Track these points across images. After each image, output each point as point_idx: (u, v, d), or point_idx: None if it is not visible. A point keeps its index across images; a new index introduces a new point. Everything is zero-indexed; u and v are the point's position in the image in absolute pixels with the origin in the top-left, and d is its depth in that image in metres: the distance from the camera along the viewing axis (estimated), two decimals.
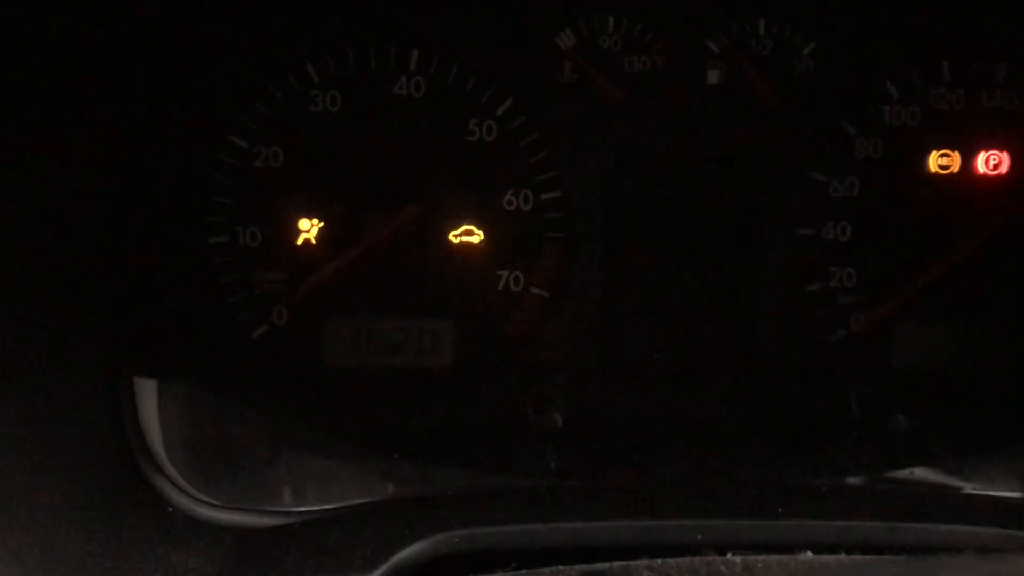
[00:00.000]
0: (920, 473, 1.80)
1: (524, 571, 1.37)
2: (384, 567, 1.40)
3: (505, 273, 2.05)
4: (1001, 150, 2.02)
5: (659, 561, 1.35)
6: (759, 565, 1.22)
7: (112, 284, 1.82)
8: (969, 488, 1.82)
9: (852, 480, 1.78)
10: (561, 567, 1.38)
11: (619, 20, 2.00)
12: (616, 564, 1.35)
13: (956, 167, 2.02)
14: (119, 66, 1.74)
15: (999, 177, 2.02)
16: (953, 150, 2.02)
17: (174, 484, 1.70)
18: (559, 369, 2.05)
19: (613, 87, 1.97)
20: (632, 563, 1.34)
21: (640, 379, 2.07)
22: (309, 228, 1.99)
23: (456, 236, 2.01)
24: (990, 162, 2.02)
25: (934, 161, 2.03)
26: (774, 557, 1.30)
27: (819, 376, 2.06)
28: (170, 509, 1.66)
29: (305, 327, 2.02)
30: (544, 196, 2.03)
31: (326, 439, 1.87)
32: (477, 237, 2.00)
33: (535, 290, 2.05)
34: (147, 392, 1.83)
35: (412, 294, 2.03)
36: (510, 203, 2.03)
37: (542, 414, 1.92)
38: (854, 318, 2.05)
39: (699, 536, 1.46)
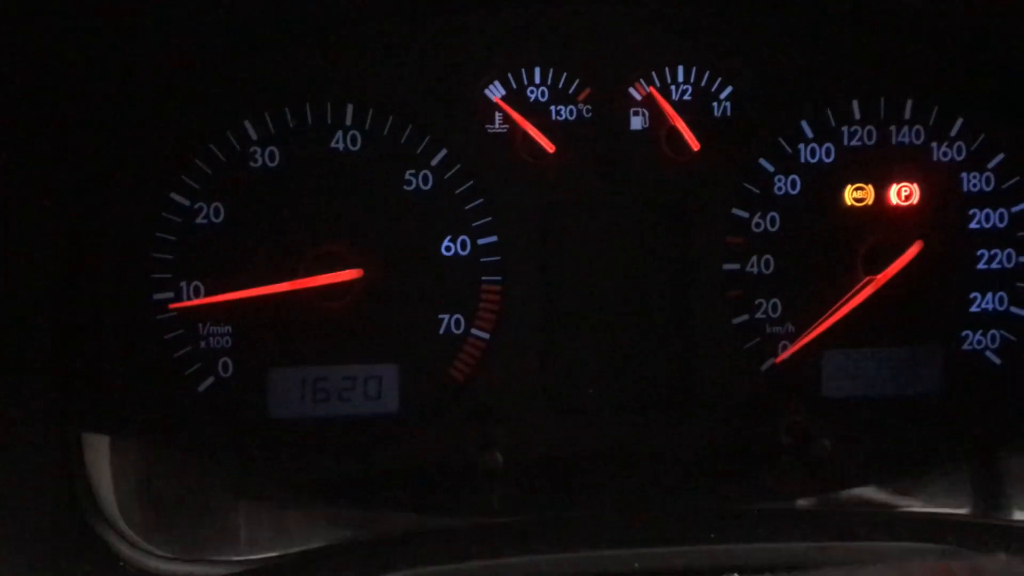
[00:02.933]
0: (846, 495, 1.88)
1: None
2: None
3: (446, 317, 2.11)
4: (911, 181, 2.13)
5: None
6: None
7: (58, 341, 1.85)
8: (897, 507, 1.91)
9: (785, 504, 1.86)
10: None
11: (545, 71, 2.09)
12: None
13: (870, 199, 2.13)
14: (58, 127, 1.79)
15: (911, 207, 2.13)
16: (866, 183, 2.13)
17: (123, 538, 1.73)
18: (502, 409, 2.11)
19: (541, 136, 2.05)
20: None
21: (581, 415, 2.13)
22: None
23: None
24: (902, 193, 2.13)
25: (849, 194, 2.13)
26: None
27: (753, 405, 2.13)
28: (121, 563, 1.68)
29: (250, 379, 2.06)
30: (481, 241, 2.10)
31: (274, 488, 1.90)
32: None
33: (476, 332, 2.11)
34: (95, 447, 1.86)
35: (355, 341, 2.09)
36: (448, 249, 2.10)
37: (486, 454, 1.97)
38: (781, 346, 2.14)
39: (636, 564, 1.52)
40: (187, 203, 2.03)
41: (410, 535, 1.71)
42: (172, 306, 2.01)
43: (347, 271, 2.02)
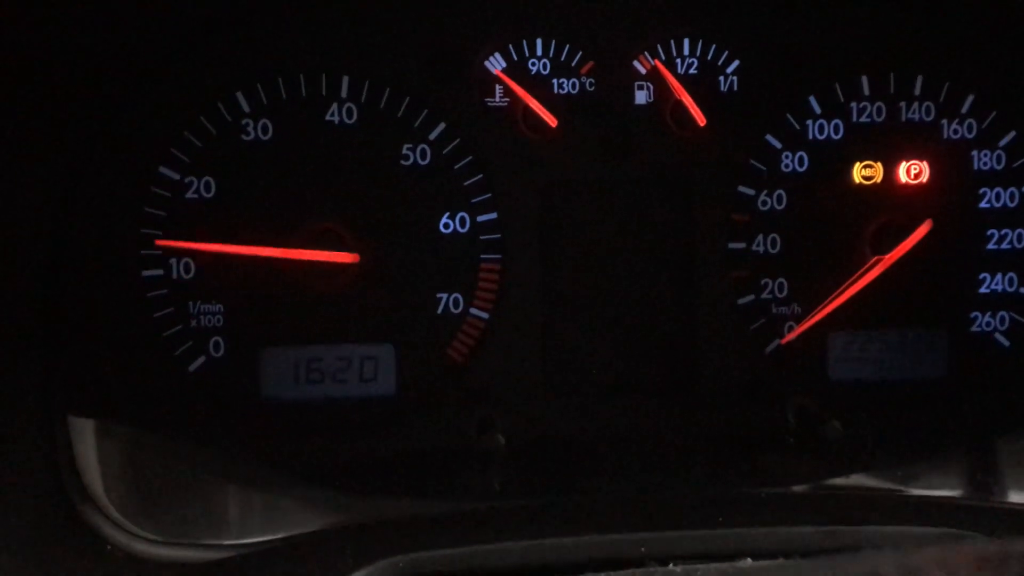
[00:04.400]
0: (856, 479, 1.84)
1: None
2: None
3: (444, 296, 2.05)
4: (921, 159, 2.08)
5: (602, 575, 1.36)
6: (698, 573, 1.24)
7: (46, 320, 1.80)
8: (904, 491, 1.87)
9: (791, 488, 1.81)
10: None
11: (547, 43, 2.03)
12: None
13: (879, 177, 2.08)
14: (46, 100, 1.73)
15: (920, 185, 2.08)
16: (875, 161, 2.08)
17: (112, 521, 1.67)
18: (502, 390, 2.06)
19: (543, 109, 2.00)
20: None
21: (581, 397, 2.08)
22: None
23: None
24: (911, 171, 2.08)
25: (858, 172, 2.08)
26: (714, 565, 1.32)
27: (757, 387, 2.09)
28: (109, 547, 1.63)
29: (242, 359, 2.00)
30: (480, 218, 2.04)
31: (266, 471, 1.85)
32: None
33: (475, 312, 2.06)
34: (84, 429, 1.81)
35: (351, 321, 2.03)
36: (447, 226, 2.04)
37: (485, 436, 1.92)
38: (787, 328, 2.09)
39: (642, 549, 1.47)
40: (177, 177, 1.97)
41: (408, 519, 1.66)
42: (158, 243, 1.94)
43: (342, 253, 1.96)
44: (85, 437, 1.78)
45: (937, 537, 1.57)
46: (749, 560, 1.39)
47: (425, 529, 1.59)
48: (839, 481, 1.89)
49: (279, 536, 1.67)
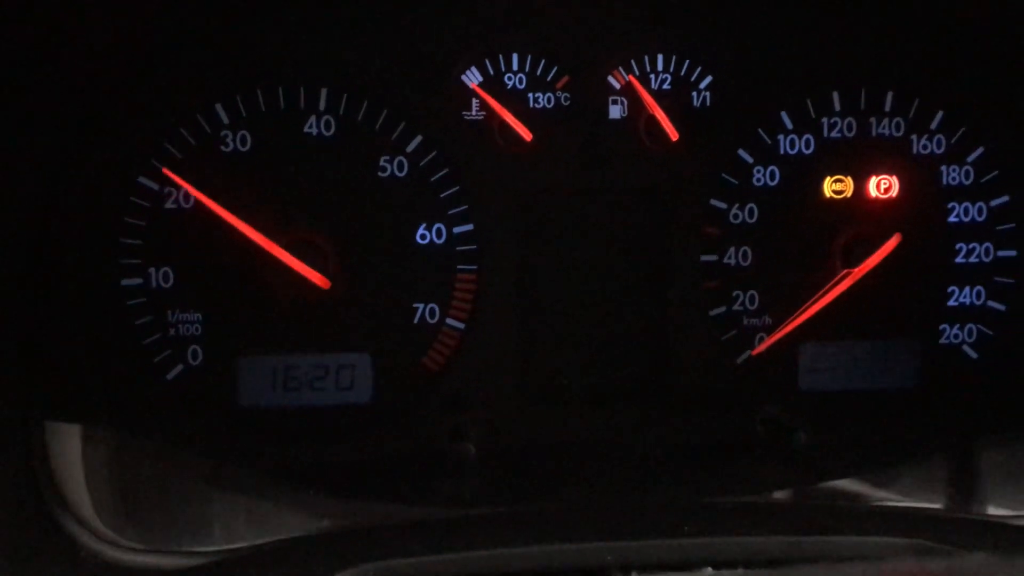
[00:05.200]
0: (822, 488, 1.87)
1: None
2: None
3: (420, 306, 2.08)
4: (890, 174, 2.12)
5: None
6: None
7: (25, 328, 1.81)
8: (869, 501, 1.90)
9: (757, 497, 1.84)
10: None
11: (523, 58, 2.06)
12: None
13: (849, 191, 2.12)
14: (26, 109, 1.75)
15: (890, 200, 2.12)
16: (846, 175, 2.11)
17: (87, 528, 1.69)
18: (477, 399, 2.08)
19: (519, 123, 2.03)
20: None
21: (556, 406, 2.11)
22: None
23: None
24: (881, 186, 2.12)
25: (828, 186, 2.12)
26: (674, 574, 1.35)
27: (728, 397, 2.12)
28: (82, 553, 1.65)
29: (220, 367, 2.03)
30: (457, 230, 2.07)
31: (244, 478, 1.87)
32: None
33: (451, 322, 2.09)
34: (61, 435, 1.82)
35: (328, 330, 2.06)
36: (423, 237, 2.07)
37: (457, 445, 1.95)
38: (758, 339, 2.12)
39: (608, 558, 1.50)
40: (156, 187, 1.99)
41: (379, 527, 1.68)
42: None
43: (316, 274, 1.98)
44: (63, 444, 1.79)
45: (904, 548, 1.60)
46: (710, 569, 1.41)
47: (396, 536, 1.62)
48: (808, 490, 1.92)
49: (254, 543, 1.69)
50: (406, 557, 1.50)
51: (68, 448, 1.79)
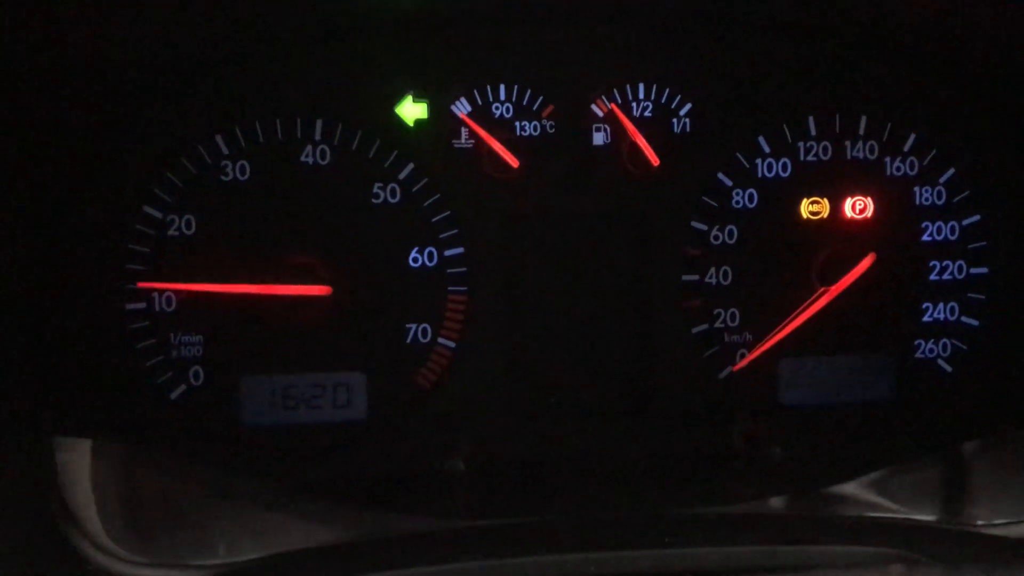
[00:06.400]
0: (800, 500, 1.94)
1: None
2: None
3: (413, 327, 2.16)
4: (865, 195, 2.19)
5: None
6: None
7: (31, 349, 1.89)
8: (846, 512, 1.97)
9: (736, 509, 1.91)
10: None
11: (510, 88, 2.14)
12: None
13: (825, 212, 2.20)
14: (32, 139, 1.83)
15: (865, 220, 2.20)
16: (822, 197, 2.19)
17: (93, 543, 1.76)
18: (467, 415, 2.16)
19: (506, 151, 2.11)
20: None
21: (543, 422, 2.19)
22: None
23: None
24: (856, 206, 2.20)
25: (805, 208, 2.19)
26: None
27: (711, 411, 2.20)
28: (89, 568, 1.72)
29: (222, 386, 2.11)
30: (448, 253, 2.15)
31: (244, 495, 1.94)
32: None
33: (443, 341, 2.17)
34: (68, 453, 1.89)
35: (324, 350, 2.14)
36: (416, 260, 2.15)
37: (448, 460, 2.02)
38: (739, 355, 2.20)
39: (592, 568, 1.58)
40: (159, 215, 2.08)
41: (372, 540, 1.75)
42: (140, 284, 2.06)
43: (315, 286, 2.07)
44: (70, 461, 1.86)
45: (879, 557, 1.67)
46: None
47: (390, 549, 1.69)
48: (786, 502, 1.99)
49: (254, 557, 1.76)
50: (402, 568, 1.57)
51: (75, 465, 1.87)
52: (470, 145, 2.14)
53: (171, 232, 2.08)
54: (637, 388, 2.20)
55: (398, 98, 2.11)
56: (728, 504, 1.95)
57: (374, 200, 2.12)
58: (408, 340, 2.16)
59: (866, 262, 2.16)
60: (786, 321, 2.17)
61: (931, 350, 2.24)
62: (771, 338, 2.17)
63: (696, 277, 2.19)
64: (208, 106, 2.08)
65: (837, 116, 2.19)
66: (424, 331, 2.16)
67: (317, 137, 2.10)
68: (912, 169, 2.21)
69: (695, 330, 2.20)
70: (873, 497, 2.08)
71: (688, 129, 2.17)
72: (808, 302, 2.17)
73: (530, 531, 1.68)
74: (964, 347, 2.24)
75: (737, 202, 2.19)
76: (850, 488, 2.05)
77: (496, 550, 1.62)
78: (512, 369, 2.18)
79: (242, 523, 1.88)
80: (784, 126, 2.19)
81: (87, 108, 1.97)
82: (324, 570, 1.62)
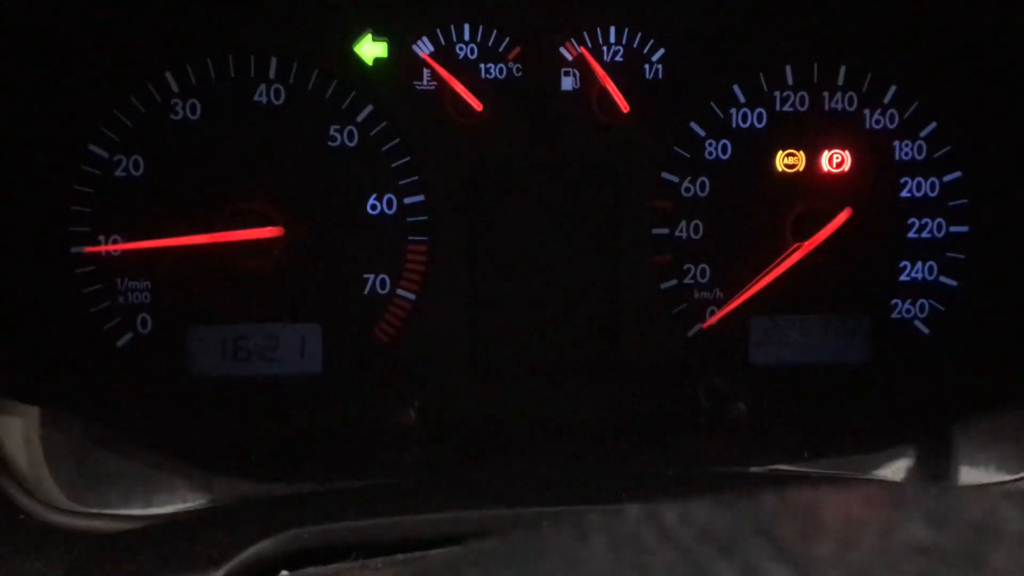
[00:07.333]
0: (765, 460, 1.87)
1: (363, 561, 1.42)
2: (228, 566, 1.43)
3: (371, 277, 2.08)
4: (843, 148, 2.11)
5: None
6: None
7: None
8: (809, 471, 1.91)
9: (698, 467, 1.85)
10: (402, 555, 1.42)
11: (475, 28, 2.06)
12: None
13: (801, 166, 2.12)
14: None
15: (842, 174, 2.12)
16: (798, 150, 2.11)
17: (26, 491, 1.69)
18: (427, 370, 2.09)
19: (469, 94, 2.02)
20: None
21: (505, 379, 2.12)
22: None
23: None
24: (833, 160, 2.12)
25: (780, 161, 2.11)
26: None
27: (679, 370, 2.13)
28: (22, 516, 1.65)
29: (170, 335, 2.03)
30: (407, 200, 2.07)
31: (187, 446, 1.87)
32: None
33: (402, 293, 2.09)
34: (4, 400, 1.82)
35: (278, 300, 2.06)
36: (374, 207, 2.07)
37: (400, 413, 1.96)
38: (709, 312, 2.13)
39: (544, 523, 1.51)
40: (106, 155, 1.99)
41: (318, 493, 1.69)
42: (87, 249, 1.97)
43: (267, 228, 1.99)
44: (5, 407, 1.79)
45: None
46: None
47: (334, 502, 1.62)
48: (751, 461, 1.92)
49: (192, 507, 1.70)
50: (343, 522, 1.51)
51: (11, 412, 1.79)
52: (432, 87, 2.05)
53: (118, 173, 2.00)
54: (603, 344, 2.13)
55: (357, 36, 2.02)
56: (689, 463, 1.89)
57: (330, 143, 2.04)
58: (366, 291, 2.08)
59: (842, 217, 2.08)
60: (757, 278, 2.09)
61: (908, 311, 2.17)
62: (742, 295, 2.10)
63: (666, 231, 2.11)
64: (158, 42, 1.99)
65: (815, 66, 2.10)
66: (382, 282, 2.08)
67: (271, 76, 2.01)
68: (892, 122, 2.13)
69: (664, 286, 2.12)
70: (839, 459, 2.02)
71: (660, 76, 2.09)
72: (781, 258, 2.09)
73: (477, 486, 1.61)
74: (942, 308, 2.17)
75: (710, 153, 2.11)
76: (812, 449, 1.98)
77: (443, 503, 1.56)
78: (473, 323, 2.11)
79: (186, 474, 1.81)
80: (760, 75, 2.10)
81: (30, 40, 1.88)
82: (265, 520, 1.55)
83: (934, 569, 0.48)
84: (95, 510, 1.72)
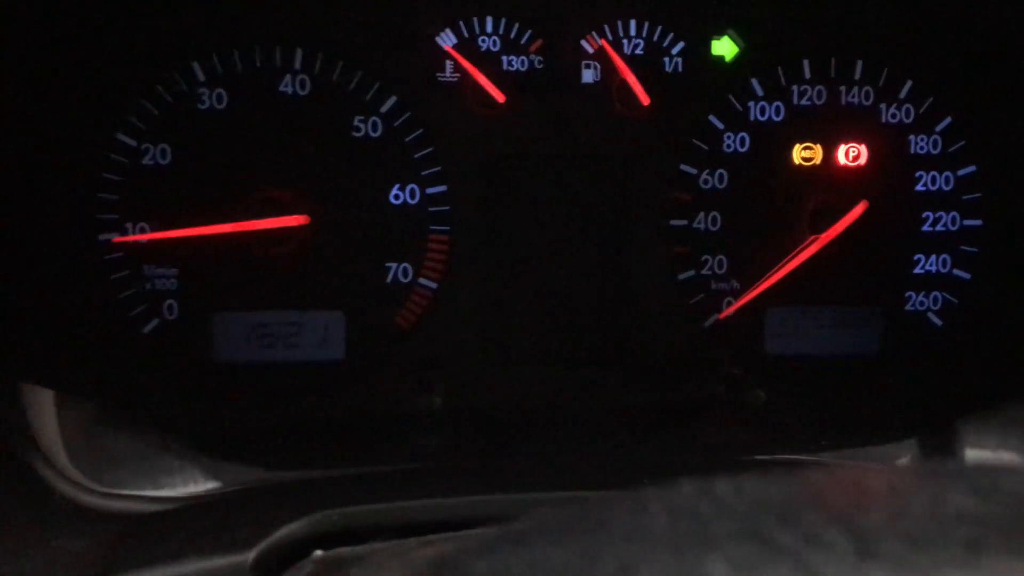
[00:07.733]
0: (780, 448, 1.90)
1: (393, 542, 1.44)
2: (260, 546, 1.46)
3: (393, 266, 2.11)
4: (859, 142, 2.14)
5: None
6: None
7: (2, 279, 1.84)
8: (826, 460, 1.93)
9: (714, 455, 1.88)
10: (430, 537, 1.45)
11: (497, 21, 2.08)
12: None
13: (818, 159, 2.14)
14: (7, 60, 1.77)
15: (858, 168, 2.15)
16: (815, 143, 2.14)
17: (60, 474, 1.72)
18: (447, 357, 2.12)
19: (492, 85, 2.05)
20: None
21: (523, 367, 2.15)
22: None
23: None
24: (849, 154, 2.14)
25: (797, 153, 2.14)
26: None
27: (695, 360, 2.16)
28: (55, 498, 1.68)
29: (196, 321, 2.06)
30: (430, 190, 2.10)
31: (212, 430, 1.90)
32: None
33: (423, 281, 2.12)
34: (35, 384, 1.85)
35: (302, 288, 2.09)
36: (397, 197, 2.10)
37: (424, 398, 1.99)
38: (725, 303, 2.16)
39: (594, 500, 1.54)
40: (133, 144, 2.02)
41: (344, 477, 1.72)
42: (115, 240, 2.00)
43: (293, 217, 2.02)
44: (36, 393, 1.82)
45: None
46: None
47: (360, 485, 1.65)
48: (766, 449, 1.95)
49: (219, 490, 1.73)
50: (365, 505, 1.53)
51: (42, 397, 1.82)
52: (455, 79, 2.08)
53: (145, 161, 2.03)
54: (620, 335, 2.16)
55: (381, 27, 2.05)
56: (707, 451, 1.92)
57: (355, 133, 2.06)
58: (388, 279, 2.11)
59: (858, 210, 2.11)
60: (774, 269, 2.12)
61: (922, 303, 2.20)
62: (759, 286, 2.13)
63: (684, 222, 2.14)
64: (185, 32, 2.02)
65: (832, 60, 2.13)
66: (405, 271, 2.11)
67: (297, 66, 2.04)
68: (908, 117, 2.15)
69: (681, 277, 2.15)
70: (852, 449, 2.04)
71: (680, 69, 2.11)
72: (798, 250, 2.12)
73: (503, 471, 1.64)
74: (955, 300, 2.20)
75: (728, 146, 2.14)
76: (828, 437, 2.01)
77: (468, 488, 1.58)
78: (493, 311, 2.14)
79: (211, 457, 1.84)
80: (778, 69, 2.13)
81: (59, 31, 1.90)
82: (287, 503, 1.58)
83: (984, 534, 0.51)
84: (126, 491, 1.75)
